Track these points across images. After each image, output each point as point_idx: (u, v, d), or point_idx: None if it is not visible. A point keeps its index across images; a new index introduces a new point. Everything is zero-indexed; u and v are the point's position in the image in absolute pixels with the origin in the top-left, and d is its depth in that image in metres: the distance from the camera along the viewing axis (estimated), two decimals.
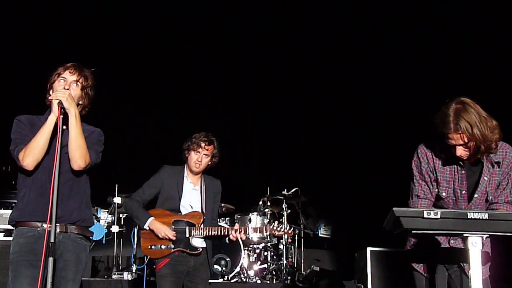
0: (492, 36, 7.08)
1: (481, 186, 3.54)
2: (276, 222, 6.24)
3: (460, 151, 3.40)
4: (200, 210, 4.95)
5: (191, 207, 4.96)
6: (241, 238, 4.98)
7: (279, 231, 5.24)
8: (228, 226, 5.22)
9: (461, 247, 3.49)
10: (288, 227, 5.65)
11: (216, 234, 4.84)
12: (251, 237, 7.20)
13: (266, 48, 9.16)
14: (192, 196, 5.00)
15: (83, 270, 3.64)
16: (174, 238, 4.78)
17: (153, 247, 4.84)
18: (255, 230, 5.14)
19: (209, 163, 5.01)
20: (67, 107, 3.40)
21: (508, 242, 3.23)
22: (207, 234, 4.83)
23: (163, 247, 4.82)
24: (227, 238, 4.92)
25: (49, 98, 3.51)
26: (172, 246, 4.80)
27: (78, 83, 3.59)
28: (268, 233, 5.28)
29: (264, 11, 8.75)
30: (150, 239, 4.85)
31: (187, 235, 4.83)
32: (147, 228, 4.84)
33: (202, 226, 4.86)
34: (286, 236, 7.61)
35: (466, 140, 3.33)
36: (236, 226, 4.89)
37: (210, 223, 4.96)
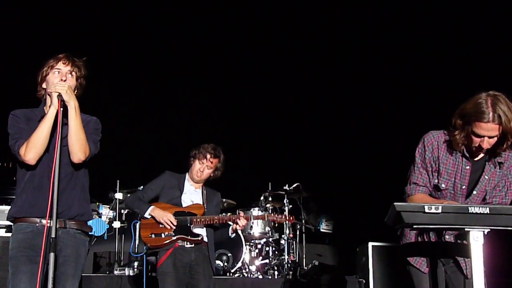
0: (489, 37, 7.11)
1: (480, 183, 3.52)
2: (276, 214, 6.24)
3: (486, 143, 3.35)
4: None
5: (192, 202, 4.98)
6: (242, 226, 4.99)
7: (280, 218, 5.33)
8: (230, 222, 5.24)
9: (457, 242, 3.48)
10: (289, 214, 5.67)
11: (218, 222, 4.87)
12: (253, 230, 7.24)
13: (265, 44, 9.16)
14: (193, 195, 5.04)
15: (83, 265, 3.63)
16: (175, 223, 4.80)
17: (153, 235, 4.84)
18: (256, 217, 5.18)
19: (211, 175, 5.07)
20: (66, 99, 3.37)
21: (507, 236, 3.22)
22: (209, 221, 4.85)
23: (163, 235, 4.83)
24: (230, 229, 4.95)
25: (48, 90, 3.47)
26: (173, 234, 4.81)
27: (73, 73, 3.56)
28: (269, 219, 5.34)
29: (261, 10, 8.76)
30: (151, 227, 4.85)
31: (188, 224, 4.85)
32: (148, 216, 4.85)
33: (203, 216, 4.90)
34: (287, 232, 7.63)
35: (499, 132, 3.28)
36: (241, 213, 4.93)
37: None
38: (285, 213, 5.48)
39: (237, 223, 4.92)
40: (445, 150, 3.56)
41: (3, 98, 7.33)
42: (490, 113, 3.25)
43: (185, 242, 4.83)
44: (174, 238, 4.80)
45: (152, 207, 4.87)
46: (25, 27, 8.10)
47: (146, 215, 4.86)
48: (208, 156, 4.96)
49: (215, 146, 5.06)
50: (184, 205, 4.95)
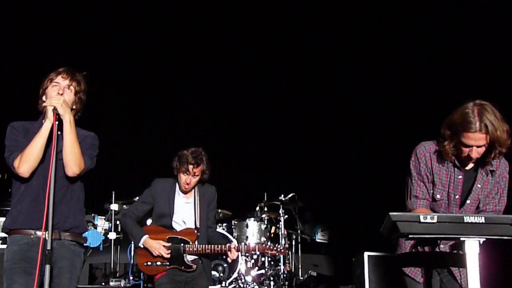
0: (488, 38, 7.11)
1: (474, 192, 3.53)
2: (269, 243, 6.15)
3: (475, 153, 3.35)
4: (193, 226, 4.95)
5: (184, 222, 4.96)
6: (233, 256, 4.97)
7: (272, 250, 5.24)
8: (225, 232, 5.22)
9: (452, 252, 3.48)
10: (281, 246, 5.63)
11: (210, 252, 4.86)
12: (248, 240, 7.22)
13: (260, 54, 9.16)
14: (185, 211, 5.01)
15: (78, 277, 3.63)
16: (168, 256, 4.80)
17: (149, 263, 4.86)
18: (247, 249, 5.10)
19: (200, 178, 5.00)
20: (61, 113, 3.39)
21: (504, 246, 3.22)
22: (201, 252, 4.85)
23: (158, 263, 4.85)
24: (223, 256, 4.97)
25: (44, 104, 3.49)
26: (168, 263, 4.82)
27: (71, 87, 3.57)
28: (260, 252, 5.29)
29: (261, 12, 8.74)
30: (146, 255, 4.87)
31: (182, 252, 4.85)
32: (142, 246, 4.86)
33: (196, 243, 4.88)
34: (283, 242, 7.61)
35: (487, 141, 3.29)
36: (233, 244, 4.90)
37: (205, 234, 4.99)
38: (277, 245, 5.43)
39: (228, 256, 4.91)
40: (437, 161, 3.57)
41: (1, 110, 7.33)
42: (477, 123, 3.26)
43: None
44: (169, 267, 4.84)
45: (145, 237, 4.86)
46: (25, 34, 8.10)
47: (140, 245, 4.88)
48: (190, 167, 4.82)
49: (194, 151, 4.88)
50: (176, 227, 4.95)
